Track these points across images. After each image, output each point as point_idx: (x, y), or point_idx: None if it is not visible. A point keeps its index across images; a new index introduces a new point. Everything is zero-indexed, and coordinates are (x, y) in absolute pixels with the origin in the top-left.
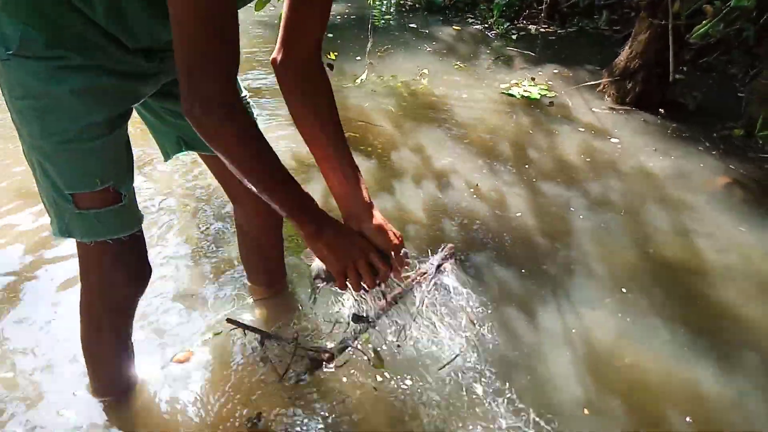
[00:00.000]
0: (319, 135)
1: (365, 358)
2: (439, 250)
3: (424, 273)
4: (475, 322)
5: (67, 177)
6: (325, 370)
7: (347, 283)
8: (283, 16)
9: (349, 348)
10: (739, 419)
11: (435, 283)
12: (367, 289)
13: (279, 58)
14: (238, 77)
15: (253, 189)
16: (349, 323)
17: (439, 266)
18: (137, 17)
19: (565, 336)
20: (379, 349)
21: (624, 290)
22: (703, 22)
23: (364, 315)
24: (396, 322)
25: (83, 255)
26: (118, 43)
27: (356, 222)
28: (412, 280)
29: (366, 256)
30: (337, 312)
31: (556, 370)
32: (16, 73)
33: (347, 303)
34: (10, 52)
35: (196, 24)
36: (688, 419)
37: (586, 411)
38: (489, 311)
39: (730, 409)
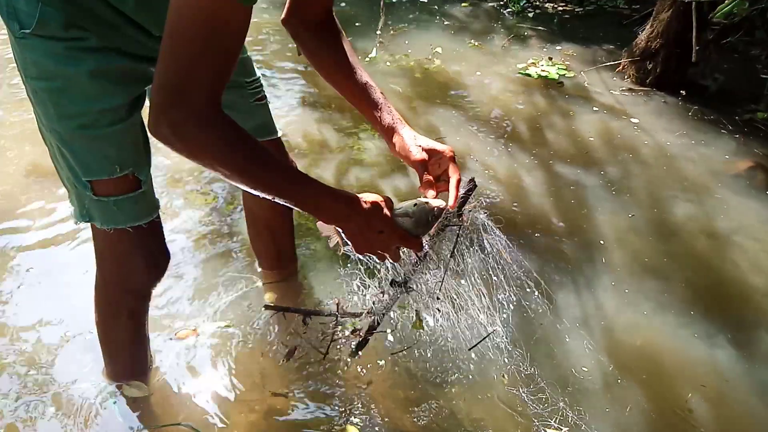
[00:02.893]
0: (341, 80)
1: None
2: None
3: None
4: (510, 261)
5: (85, 163)
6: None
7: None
8: None
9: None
10: (754, 396)
11: (464, 225)
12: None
13: (287, 18)
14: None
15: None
16: (383, 291)
17: (462, 202)
18: (166, 6)
19: (582, 317)
20: (417, 310)
21: (646, 275)
22: (727, 0)
23: (400, 279)
24: (430, 281)
25: (101, 241)
26: (139, 27)
27: (393, 136)
28: (440, 229)
29: (388, 247)
30: (368, 280)
31: (573, 349)
32: (32, 53)
33: (381, 268)
34: (27, 30)
35: (199, 39)
36: (690, 397)
37: (607, 394)
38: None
39: (744, 386)
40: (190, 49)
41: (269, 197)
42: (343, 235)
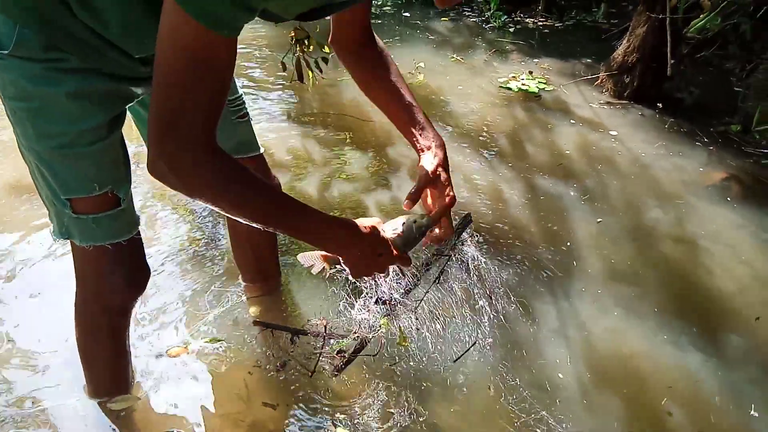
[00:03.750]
0: (382, 98)
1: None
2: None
3: (445, 245)
4: (492, 296)
5: (63, 182)
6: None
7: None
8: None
9: (376, 331)
10: (729, 401)
11: (454, 256)
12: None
13: (332, 40)
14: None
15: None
16: (368, 309)
17: (457, 235)
18: (152, 30)
19: (561, 328)
20: (402, 326)
21: (618, 282)
22: (701, 16)
23: (387, 298)
24: (416, 299)
25: (80, 258)
26: (120, 50)
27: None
28: (432, 255)
29: (385, 270)
30: (354, 300)
31: (550, 356)
32: (10, 74)
33: (367, 286)
34: (5, 51)
35: (187, 74)
36: (666, 401)
37: (585, 401)
38: (486, 303)
39: (715, 387)
40: (180, 83)
41: (269, 229)
42: (340, 261)
